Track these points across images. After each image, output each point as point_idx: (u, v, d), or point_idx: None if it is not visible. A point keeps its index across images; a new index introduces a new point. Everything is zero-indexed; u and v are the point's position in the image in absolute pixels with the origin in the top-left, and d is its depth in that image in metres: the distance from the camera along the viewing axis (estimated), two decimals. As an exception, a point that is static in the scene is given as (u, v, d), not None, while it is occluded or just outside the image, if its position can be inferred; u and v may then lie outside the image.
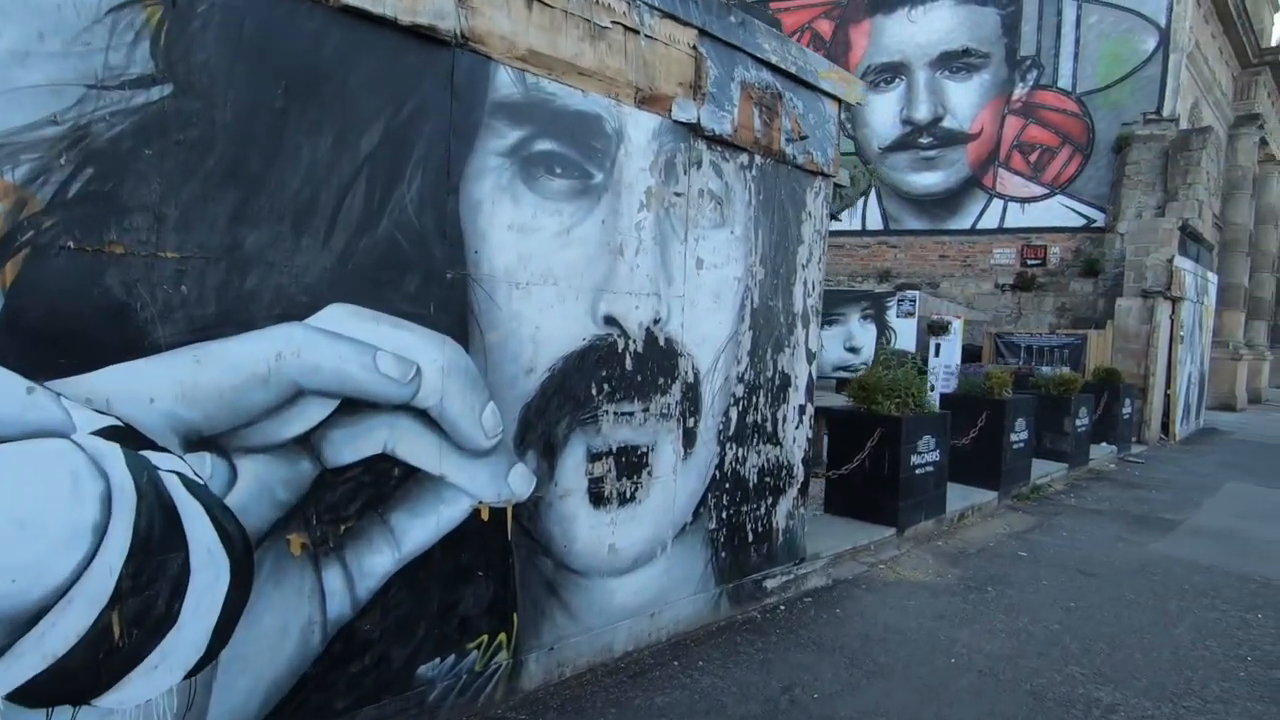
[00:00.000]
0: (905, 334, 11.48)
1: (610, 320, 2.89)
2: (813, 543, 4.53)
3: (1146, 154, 13.58)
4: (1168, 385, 11.38)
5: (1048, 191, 14.44)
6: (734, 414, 3.50)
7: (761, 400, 3.66)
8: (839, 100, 3.91)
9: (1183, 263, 11.34)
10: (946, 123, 15.06)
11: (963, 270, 15.04)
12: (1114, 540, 5.52)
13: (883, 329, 11.62)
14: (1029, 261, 14.62)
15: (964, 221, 15.03)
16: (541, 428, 2.69)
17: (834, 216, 8.11)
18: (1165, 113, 13.70)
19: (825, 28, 16.06)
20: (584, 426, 2.84)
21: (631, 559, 3.07)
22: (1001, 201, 14.76)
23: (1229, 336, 17.40)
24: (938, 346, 11.97)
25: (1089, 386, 9.33)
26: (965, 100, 14.96)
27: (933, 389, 10.76)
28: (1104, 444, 9.52)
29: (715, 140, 3.24)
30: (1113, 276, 13.23)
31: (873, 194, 15.66)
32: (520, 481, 2.63)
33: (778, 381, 3.76)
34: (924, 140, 15.20)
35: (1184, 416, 12.04)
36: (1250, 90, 18.54)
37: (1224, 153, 17.96)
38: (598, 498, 2.92)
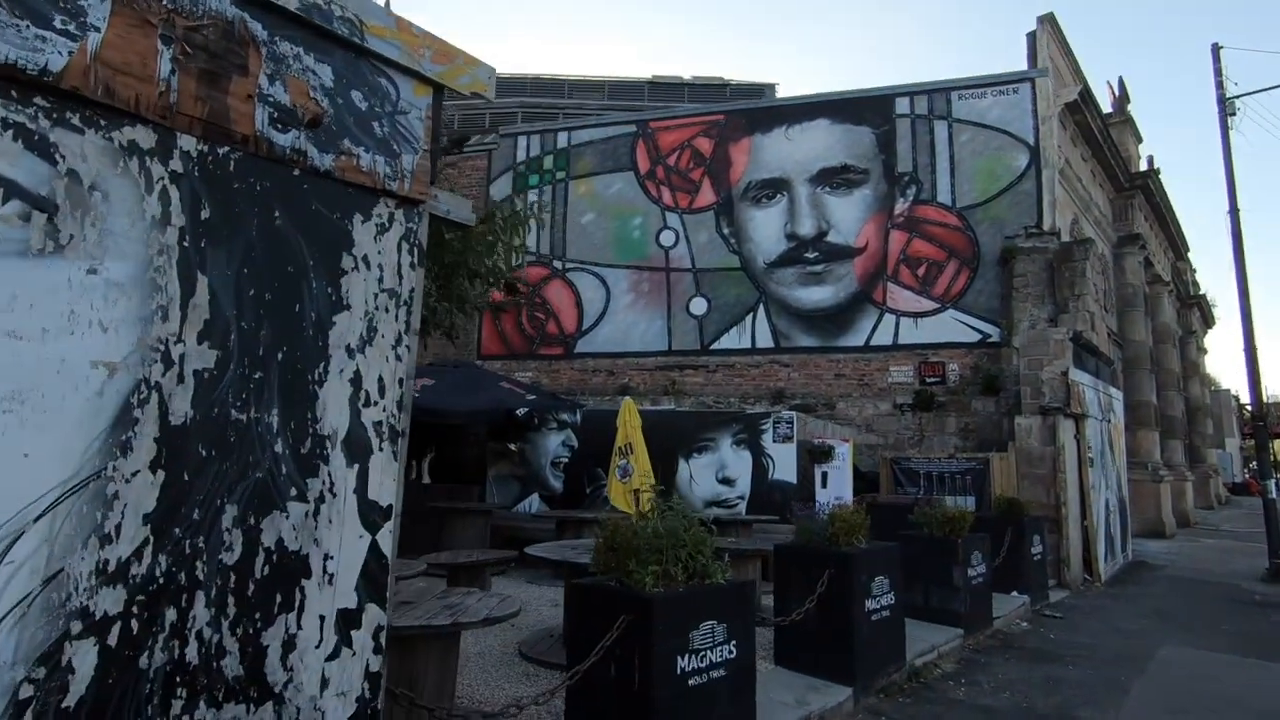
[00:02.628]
0: (784, 461, 9.86)
1: None
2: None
3: (1032, 266, 13.01)
4: (1084, 516, 9.91)
5: (939, 306, 13.65)
6: (89, 654, 1.61)
7: (202, 613, 1.79)
8: (432, 84, 2.38)
9: (1079, 375, 10.28)
10: (831, 237, 14.42)
11: (860, 390, 13.82)
12: (1004, 776, 3.63)
13: (759, 456, 9.98)
14: (928, 379, 13.53)
15: (857, 338, 14.02)
16: None
17: (507, 282, 6.18)
18: (1045, 226, 13.32)
19: (705, 145, 15.69)
20: None
21: None
22: (894, 316, 13.87)
23: (1146, 457, 16.45)
24: (824, 476, 10.35)
25: (987, 522, 7.71)
26: (848, 215, 14.44)
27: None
28: (1015, 593, 7.79)
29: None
30: (1013, 394, 12.15)
31: (761, 310, 14.63)
32: None
33: (266, 570, 1.91)
34: (810, 255, 14.46)
35: (1107, 551, 10.50)
36: (1127, 213, 18.92)
37: (1111, 271, 17.95)
38: None
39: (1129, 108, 21.08)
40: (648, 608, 3.29)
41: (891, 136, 14.50)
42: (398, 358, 2.25)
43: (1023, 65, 14.10)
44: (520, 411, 10.01)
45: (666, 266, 15.42)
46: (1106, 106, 19.09)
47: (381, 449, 2.19)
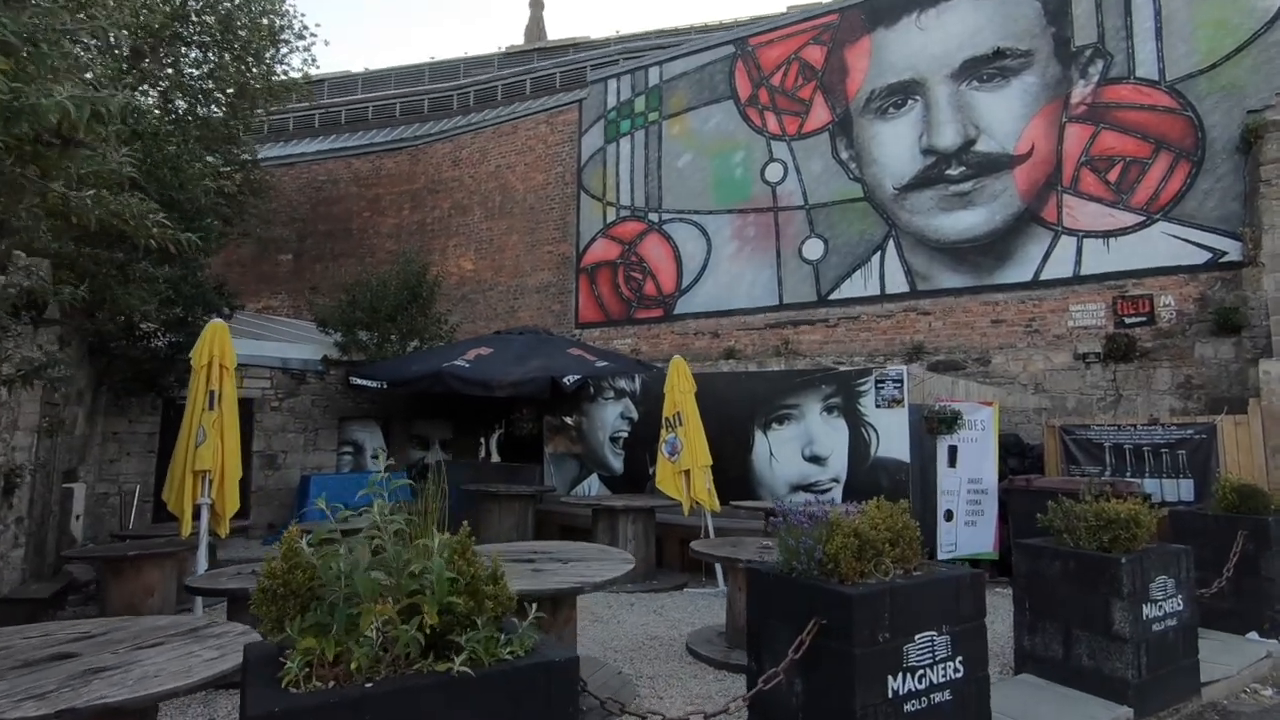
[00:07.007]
0: (892, 432, 7.39)
1: None
2: None
3: (1293, 146, 8.99)
4: (1391, 509, 6.36)
5: (1143, 218, 10.00)
6: None
7: None
8: None
9: (1379, 293, 6.65)
10: (982, 145, 11.19)
11: (1027, 339, 10.58)
12: None
13: (857, 425, 7.60)
14: (1127, 319, 9.99)
15: (1022, 272, 10.75)
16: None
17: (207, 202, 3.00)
18: (1317, 87, 9.17)
19: (816, 55, 13.00)
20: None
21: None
22: (1074, 239, 10.43)
23: None
24: (951, 451, 7.69)
25: (1200, 521, 4.92)
26: (1005, 114, 11.10)
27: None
28: (1253, 635, 4.92)
29: None
30: (1265, 331, 8.53)
31: (891, 247, 11.78)
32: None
33: None
34: (954, 171, 11.34)
35: None
36: None
37: None
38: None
39: None
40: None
41: (1065, 1, 10.87)
42: None
43: None
44: (567, 380, 8.54)
45: (774, 205, 13.03)
46: None
47: None
